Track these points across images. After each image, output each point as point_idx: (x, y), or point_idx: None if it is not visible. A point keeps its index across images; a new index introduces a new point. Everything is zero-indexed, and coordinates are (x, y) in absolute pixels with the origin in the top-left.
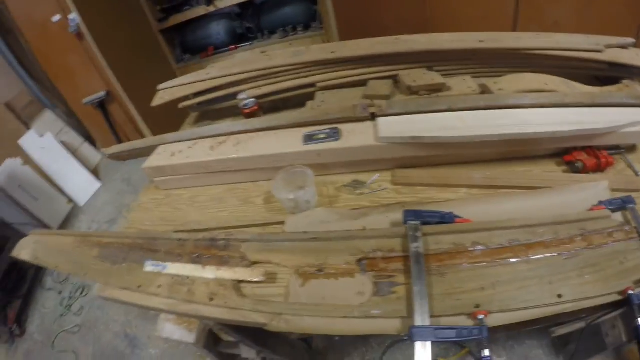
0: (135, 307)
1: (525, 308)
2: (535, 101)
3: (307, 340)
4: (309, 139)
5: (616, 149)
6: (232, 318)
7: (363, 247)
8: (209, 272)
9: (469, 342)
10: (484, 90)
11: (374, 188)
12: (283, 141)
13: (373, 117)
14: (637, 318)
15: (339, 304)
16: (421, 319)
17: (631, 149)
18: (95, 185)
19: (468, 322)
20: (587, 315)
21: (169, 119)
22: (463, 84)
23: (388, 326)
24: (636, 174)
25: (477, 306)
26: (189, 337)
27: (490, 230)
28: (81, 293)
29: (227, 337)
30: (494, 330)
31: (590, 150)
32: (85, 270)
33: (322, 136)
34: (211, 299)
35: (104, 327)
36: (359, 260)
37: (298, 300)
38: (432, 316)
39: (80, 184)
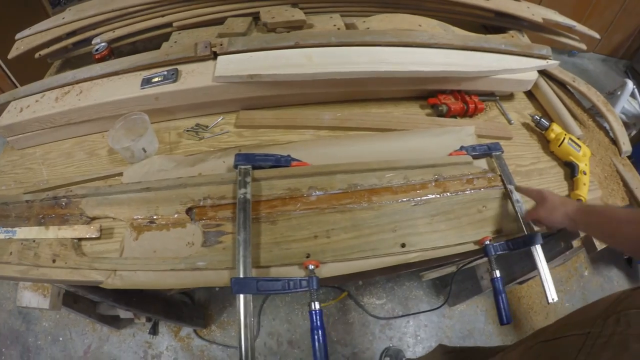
0: None
1: (364, 257)
2: (395, 39)
3: (188, 294)
4: (146, 82)
5: (491, 95)
6: (74, 278)
7: (194, 195)
8: (52, 233)
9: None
10: (352, 28)
11: (215, 132)
12: (123, 87)
13: (215, 56)
14: (493, 270)
15: (168, 257)
16: (243, 270)
17: (509, 97)
18: None
19: (300, 273)
20: (459, 260)
21: (43, 73)
22: (329, 22)
23: (215, 278)
24: (509, 121)
25: (308, 256)
26: (45, 303)
27: (330, 174)
28: None
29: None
30: (369, 274)
31: (458, 94)
32: None
33: (157, 79)
34: (54, 261)
35: None
36: (189, 209)
37: (132, 255)
38: (259, 266)
39: None
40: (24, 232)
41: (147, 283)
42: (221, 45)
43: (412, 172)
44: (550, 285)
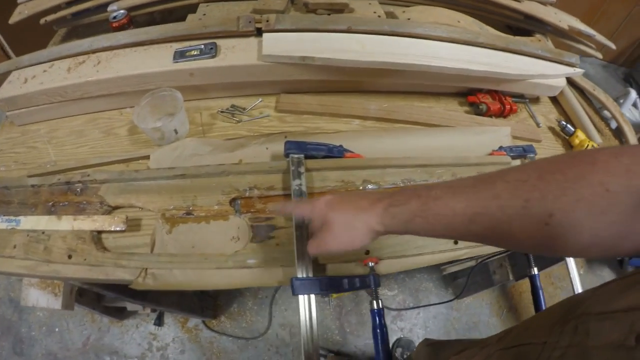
0: None
1: (420, 254)
2: (446, 34)
3: None
4: (180, 55)
5: (520, 97)
6: (95, 277)
7: (238, 184)
8: (66, 224)
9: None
10: (391, 17)
11: (254, 115)
12: (150, 59)
13: (259, 32)
14: (532, 267)
15: (211, 253)
16: (305, 269)
17: (535, 100)
18: None
19: (357, 269)
20: (478, 255)
21: (44, 43)
22: (368, 8)
23: (267, 277)
24: (537, 124)
25: (367, 252)
26: (56, 302)
27: (383, 167)
28: None
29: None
30: None
31: (495, 94)
32: None
33: (195, 52)
34: (69, 256)
35: None
36: (233, 200)
37: (165, 251)
38: (316, 263)
39: None
40: (30, 222)
41: (185, 283)
42: (267, 21)
43: (459, 169)
44: (578, 282)
